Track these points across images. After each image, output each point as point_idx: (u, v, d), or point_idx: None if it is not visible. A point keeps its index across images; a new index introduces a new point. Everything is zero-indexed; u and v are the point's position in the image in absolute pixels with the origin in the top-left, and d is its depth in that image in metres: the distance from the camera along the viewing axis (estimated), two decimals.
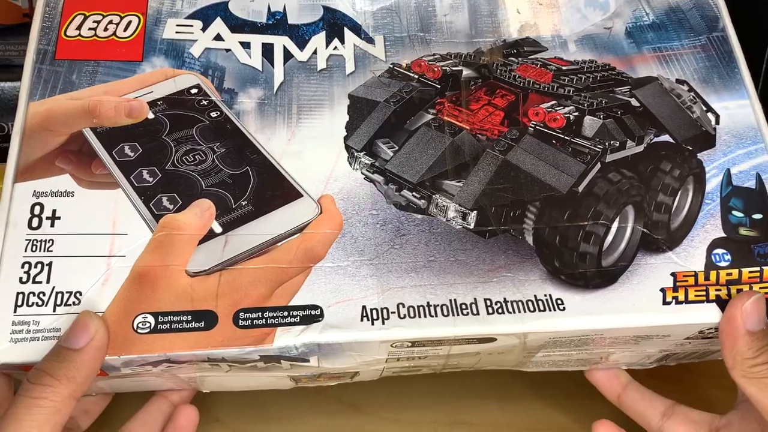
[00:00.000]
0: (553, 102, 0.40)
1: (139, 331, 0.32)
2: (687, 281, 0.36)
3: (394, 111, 0.39)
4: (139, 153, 0.36)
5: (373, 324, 0.33)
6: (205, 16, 0.40)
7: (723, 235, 0.37)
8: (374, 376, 0.41)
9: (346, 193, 0.37)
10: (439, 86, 0.40)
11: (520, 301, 0.35)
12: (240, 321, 0.33)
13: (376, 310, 0.34)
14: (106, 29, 0.39)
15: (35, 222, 0.34)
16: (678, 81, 0.41)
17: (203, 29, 0.40)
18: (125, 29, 0.39)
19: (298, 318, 0.33)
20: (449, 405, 0.45)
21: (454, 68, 0.41)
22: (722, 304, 0.35)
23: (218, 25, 0.40)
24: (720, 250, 0.36)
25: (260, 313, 0.33)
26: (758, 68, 0.55)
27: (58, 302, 0.32)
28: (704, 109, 0.40)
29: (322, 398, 0.45)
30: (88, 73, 0.38)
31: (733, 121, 0.39)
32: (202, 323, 0.33)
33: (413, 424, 0.44)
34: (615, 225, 0.37)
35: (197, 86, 0.38)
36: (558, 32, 0.42)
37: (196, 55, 0.39)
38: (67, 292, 0.33)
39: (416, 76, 0.41)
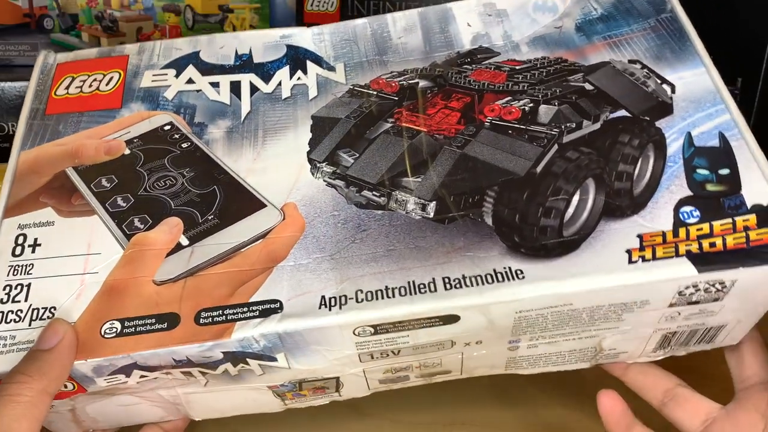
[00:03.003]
0: (509, 98, 0.41)
1: (105, 336, 0.34)
2: (654, 240, 0.34)
3: (354, 124, 0.41)
4: (114, 183, 0.39)
5: (330, 310, 0.34)
6: (178, 65, 0.44)
7: (689, 193, 0.36)
8: (362, 388, 0.40)
9: (308, 200, 0.38)
10: (396, 99, 0.42)
11: (479, 275, 0.34)
12: (201, 319, 0.34)
13: (335, 298, 0.34)
14: (90, 86, 0.43)
15: (18, 250, 0.37)
16: (630, 61, 0.41)
17: (176, 76, 0.44)
18: (107, 84, 0.43)
19: (257, 312, 0.34)
20: (448, 406, 0.45)
21: (410, 81, 0.43)
22: (694, 258, 0.33)
23: (190, 71, 0.44)
24: (688, 208, 0.35)
25: (221, 311, 0.34)
26: (758, 68, 0.55)
27: (34, 317, 0.34)
28: (659, 82, 0.40)
29: None
30: (73, 123, 0.42)
31: (690, 89, 0.39)
32: (165, 324, 0.34)
33: (412, 424, 0.44)
34: (576, 198, 0.36)
35: (170, 123, 0.42)
36: (509, 38, 0.44)
37: (169, 98, 0.43)
38: (42, 308, 0.35)
39: (375, 93, 0.43)
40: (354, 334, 0.34)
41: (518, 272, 0.34)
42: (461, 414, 0.45)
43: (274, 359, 0.35)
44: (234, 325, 0.33)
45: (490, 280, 0.34)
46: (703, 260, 0.33)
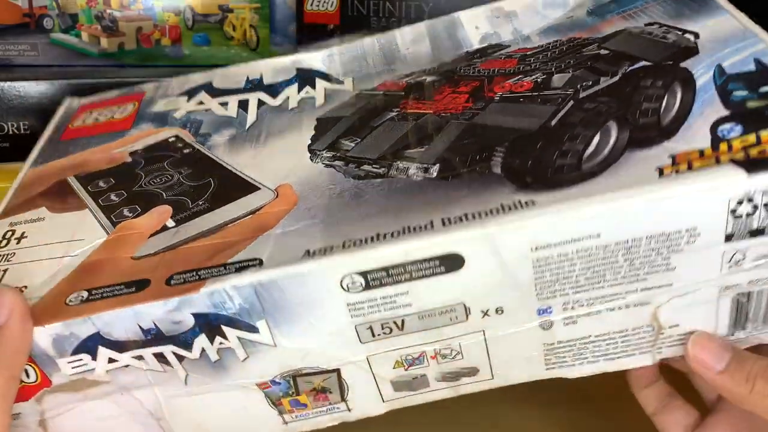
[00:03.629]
0: (520, 76, 0.38)
1: (69, 303, 0.30)
2: (690, 156, 0.29)
3: (359, 117, 0.39)
4: (111, 184, 0.38)
5: (313, 257, 0.29)
6: (191, 93, 0.45)
7: (727, 113, 0.30)
8: (374, 396, 0.34)
9: (304, 180, 0.35)
10: (403, 93, 0.40)
11: (483, 211, 0.29)
12: (172, 281, 0.30)
13: (320, 249, 0.30)
14: (105, 116, 0.44)
15: (3, 243, 0.35)
16: (647, 24, 0.38)
17: (187, 100, 0.44)
18: (122, 113, 0.44)
19: (234, 269, 0.30)
20: (449, 407, 0.40)
21: (417, 79, 0.41)
22: (742, 163, 0.27)
23: (201, 96, 0.44)
24: (727, 125, 0.30)
25: (194, 272, 0.30)
26: None
27: None
28: (680, 33, 0.37)
29: None
30: (82, 144, 0.42)
31: (716, 33, 0.35)
32: (134, 288, 0.30)
33: (412, 426, 0.41)
34: (596, 139, 0.32)
35: (176, 136, 0.41)
36: (519, 32, 0.42)
37: (178, 117, 0.43)
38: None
39: (381, 92, 0.41)
40: (342, 287, 0.29)
41: (529, 202, 0.29)
42: (462, 414, 0.44)
43: (255, 329, 0.30)
44: (205, 282, 0.29)
45: (495, 212, 0.29)
46: (753, 165, 0.27)
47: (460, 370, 0.33)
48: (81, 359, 0.31)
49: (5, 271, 0.33)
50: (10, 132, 0.52)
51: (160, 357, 0.31)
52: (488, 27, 0.44)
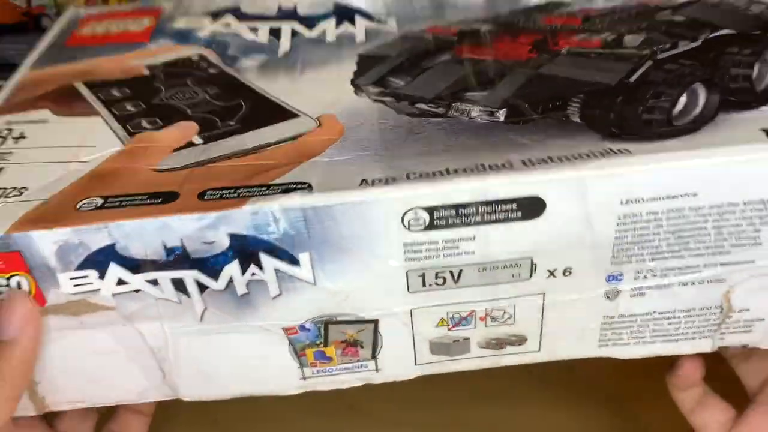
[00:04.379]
0: (586, 33, 0.36)
1: (81, 209, 0.26)
2: None
3: (407, 58, 0.36)
4: (126, 94, 0.33)
5: (373, 185, 0.26)
6: (215, 14, 0.40)
7: None
8: (407, 357, 0.30)
9: (350, 112, 0.32)
10: (456, 39, 0.37)
11: (572, 155, 0.26)
12: (206, 196, 0.26)
13: (380, 179, 0.26)
14: (118, 27, 0.39)
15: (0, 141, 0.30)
16: None
17: (212, 21, 0.40)
18: (137, 26, 0.40)
19: (280, 190, 0.26)
20: (449, 407, 0.44)
21: (471, 26, 0.38)
22: None
23: (228, 18, 0.40)
24: None
25: (233, 189, 0.26)
26: None
27: None
28: (765, 6, 0.34)
29: (320, 400, 0.39)
30: (91, 53, 0.37)
31: None
32: (160, 199, 0.26)
33: (413, 426, 0.42)
34: (683, 98, 0.29)
35: (199, 55, 0.37)
36: None
37: (202, 36, 0.38)
38: (11, 188, 0.27)
39: (431, 35, 0.38)
40: (403, 224, 0.26)
41: (623, 150, 0.26)
42: (462, 415, 0.43)
43: (296, 261, 0.26)
44: (248, 200, 0.25)
45: (585, 158, 0.26)
46: None
47: (507, 338, 0.30)
48: (86, 276, 0.26)
49: (1, 169, 0.29)
50: None
51: (179, 285, 0.27)
52: None
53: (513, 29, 0.37)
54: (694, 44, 0.33)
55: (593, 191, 0.25)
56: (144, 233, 0.25)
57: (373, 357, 0.30)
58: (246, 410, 0.43)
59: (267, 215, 0.25)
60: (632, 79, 0.31)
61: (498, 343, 0.30)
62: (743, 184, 0.26)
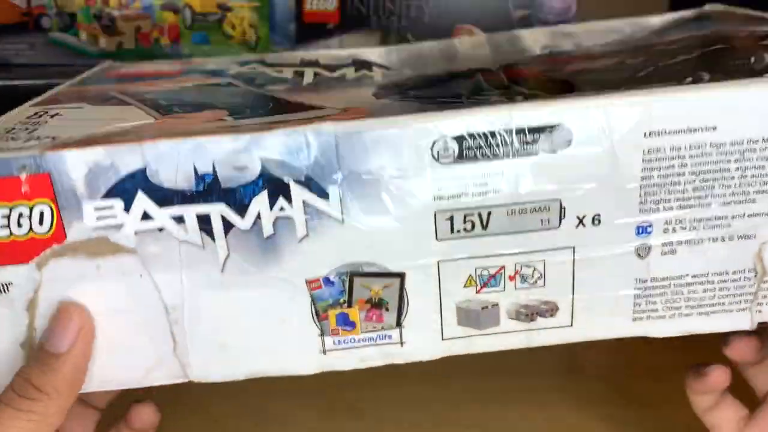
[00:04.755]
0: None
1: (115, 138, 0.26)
2: None
3: (423, 79, 0.38)
4: (160, 94, 0.35)
5: (404, 115, 0.26)
6: (244, 63, 0.44)
7: None
8: (432, 334, 0.29)
9: (375, 106, 0.33)
10: (469, 73, 0.40)
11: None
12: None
13: (413, 112, 0.27)
14: (152, 68, 0.42)
15: (34, 117, 0.31)
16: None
17: (240, 66, 0.43)
18: (170, 67, 0.42)
19: (314, 117, 0.27)
20: (449, 407, 0.44)
21: (482, 66, 0.41)
22: None
23: (255, 65, 0.43)
24: None
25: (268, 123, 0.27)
26: None
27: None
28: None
29: (321, 401, 0.44)
30: (130, 80, 0.40)
31: None
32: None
33: (413, 427, 0.42)
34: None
35: (229, 82, 0.39)
36: (581, 45, 0.43)
37: (232, 73, 0.41)
38: (46, 136, 0.28)
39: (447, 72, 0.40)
40: (432, 155, 0.26)
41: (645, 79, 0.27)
42: (462, 415, 0.43)
43: (326, 194, 0.26)
44: (282, 125, 0.26)
45: (609, 90, 0.27)
46: None
47: (538, 305, 0.29)
48: (112, 207, 0.26)
49: (34, 129, 0.29)
50: None
51: (204, 222, 0.26)
52: (549, 40, 0.45)
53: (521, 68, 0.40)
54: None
55: (617, 120, 0.26)
56: (177, 155, 0.25)
57: (398, 324, 0.29)
58: (246, 410, 0.43)
59: (300, 139, 0.26)
60: (643, 73, 0.33)
61: (528, 313, 0.29)
62: (762, 119, 0.26)
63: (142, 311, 0.28)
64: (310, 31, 0.62)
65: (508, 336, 0.29)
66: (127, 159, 0.25)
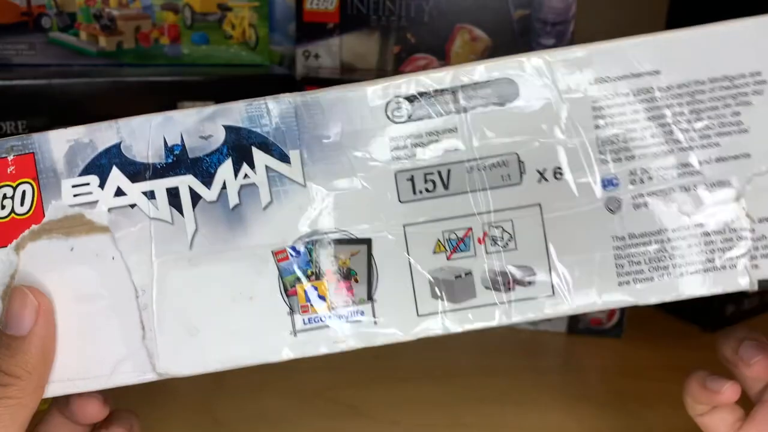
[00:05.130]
0: None
1: None
2: None
3: None
4: None
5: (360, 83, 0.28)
6: None
7: None
8: (407, 309, 0.27)
9: None
10: None
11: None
12: None
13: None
14: None
15: None
16: None
17: None
18: None
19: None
20: (449, 408, 0.45)
21: None
22: None
23: None
24: None
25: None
26: None
27: None
28: None
29: (321, 401, 0.44)
30: None
31: None
32: None
33: (413, 427, 0.43)
34: None
35: None
36: None
37: None
38: None
39: None
40: (387, 115, 0.27)
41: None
42: (462, 416, 0.44)
43: (287, 158, 0.27)
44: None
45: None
46: None
47: (514, 271, 0.28)
48: (88, 183, 0.27)
49: None
50: (8, 132, 0.51)
51: (173, 197, 0.28)
52: None
53: None
54: None
55: (561, 72, 0.27)
56: (149, 128, 0.28)
57: (370, 298, 0.28)
58: (246, 410, 0.44)
59: (261, 107, 0.28)
60: None
61: (505, 282, 0.28)
62: (702, 60, 0.27)
63: (113, 296, 0.28)
64: (310, 30, 0.62)
65: (487, 310, 0.28)
66: (104, 135, 0.28)
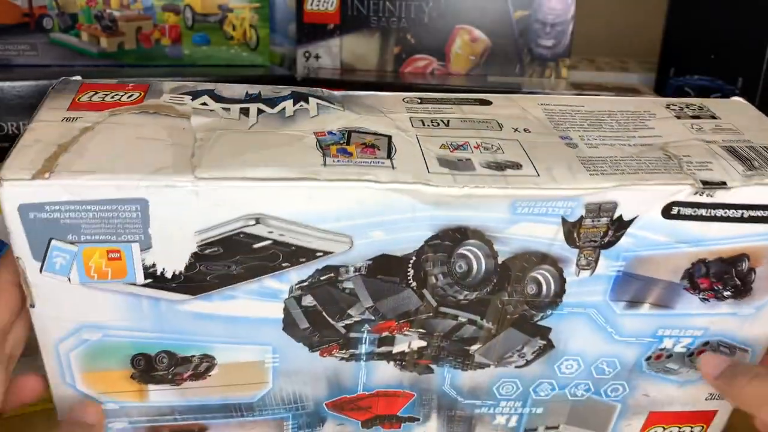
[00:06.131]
0: None
1: None
2: None
3: None
4: None
5: None
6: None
7: None
8: (418, 160, 0.35)
9: None
10: None
11: None
12: None
13: None
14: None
15: None
16: None
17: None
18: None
19: None
20: None
21: None
22: None
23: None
24: None
25: None
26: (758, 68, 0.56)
27: None
28: None
29: None
30: None
31: None
32: None
33: None
34: None
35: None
36: None
37: None
38: None
39: None
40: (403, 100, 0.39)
41: None
42: None
43: (333, 100, 0.38)
44: None
45: None
46: None
47: (504, 162, 0.36)
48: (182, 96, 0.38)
49: None
50: (10, 132, 0.51)
51: (243, 112, 0.37)
52: None
53: None
54: None
55: None
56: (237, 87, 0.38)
57: (389, 157, 0.35)
58: None
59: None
60: None
61: (498, 166, 0.35)
62: None
63: (172, 139, 0.34)
64: (311, 31, 0.63)
65: (486, 177, 0.34)
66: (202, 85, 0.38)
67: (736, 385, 0.38)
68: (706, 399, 0.43)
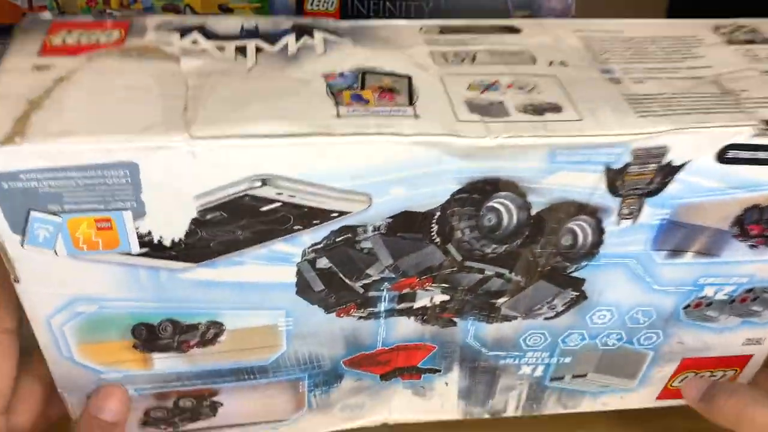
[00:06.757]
0: None
1: None
2: None
3: None
4: None
5: None
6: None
7: None
8: (444, 107, 0.30)
9: None
10: None
11: None
12: None
13: None
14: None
15: None
16: None
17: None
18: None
19: None
20: None
21: None
22: None
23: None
24: None
25: None
26: None
27: None
28: None
29: None
30: None
31: None
32: None
33: (413, 427, 0.43)
34: None
35: None
36: None
37: None
38: None
39: None
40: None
41: None
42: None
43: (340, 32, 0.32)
44: None
45: None
46: None
47: (541, 104, 0.31)
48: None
49: None
50: None
51: (240, 50, 0.32)
52: None
53: None
54: None
55: None
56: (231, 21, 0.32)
57: (411, 104, 0.30)
58: None
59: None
60: None
61: (535, 109, 0.31)
62: None
63: (162, 89, 0.29)
64: None
65: (523, 124, 0.30)
66: (192, 20, 0.33)
67: (716, 405, 0.39)
68: (742, 344, 0.41)
